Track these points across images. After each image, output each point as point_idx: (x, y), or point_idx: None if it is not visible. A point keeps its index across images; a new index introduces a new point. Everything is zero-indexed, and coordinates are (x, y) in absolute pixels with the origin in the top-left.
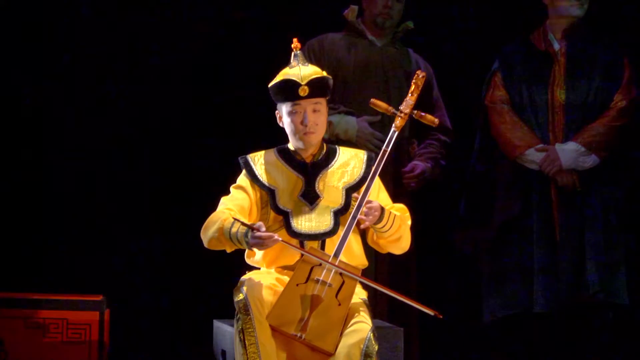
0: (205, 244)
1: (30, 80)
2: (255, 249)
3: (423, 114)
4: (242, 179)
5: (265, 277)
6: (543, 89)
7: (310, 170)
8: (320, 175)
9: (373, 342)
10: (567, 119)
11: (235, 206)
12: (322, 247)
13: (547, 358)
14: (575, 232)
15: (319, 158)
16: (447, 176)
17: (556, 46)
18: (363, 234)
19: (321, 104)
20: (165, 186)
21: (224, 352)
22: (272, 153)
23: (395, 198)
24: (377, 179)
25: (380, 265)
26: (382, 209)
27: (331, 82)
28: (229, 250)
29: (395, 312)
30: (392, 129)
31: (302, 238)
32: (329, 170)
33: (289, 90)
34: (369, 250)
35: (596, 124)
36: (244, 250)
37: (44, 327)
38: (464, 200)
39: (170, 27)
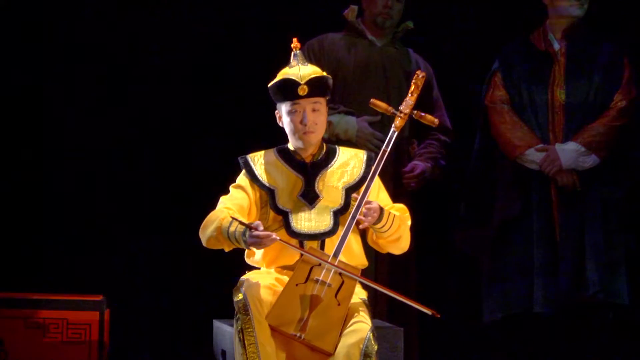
0: (204, 243)
1: (30, 80)
2: (253, 249)
3: (423, 114)
4: (242, 179)
5: (265, 277)
6: (543, 89)
7: (309, 170)
8: (320, 175)
9: (372, 342)
10: (567, 119)
11: (234, 205)
12: (322, 247)
13: (547, 358)
14: (575, 232)
15: (319, 158)
16: (447, 176)
17: (556, 46)
18: (363, 234)
19: (320, 103)
20: (165, 186)
21: (224, 352)
22: (272, 153)
23: (395, 198)
24: (377, 179)
25: (380, 265)
26: (382, 210)
27: (331, 81)
28: (227, 250)
29: (395, 312)
30: (392, 129)
31: (301, 238)
32: (329, 170)
33: (288, 89)
34: (369, 250)
35: (596, 124)
36: (244, 250)
37: (44, 327)
38: (464, 200)
39: (170, 27)
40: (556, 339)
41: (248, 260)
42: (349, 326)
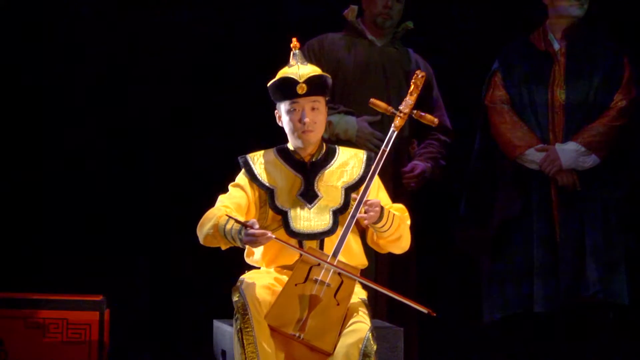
0: (201, 241)
1: (30, 80)
2: (251, 247)
3: (423, 113)
4: (241, 178)
5: (264, 277)
6: (543, 89)
7: (309, 169)
8: (319, 174)
9: (372, 342)
10: (567, 119)
11: (232, 204)
12: (321, 246)
13: (547, 358)
14: (575, 232)
15: (318, 157)
16: (447, 176)
17: (556, 46)
18: (362, 234)
19: (320, 102)
20: (165, 186)
21: (224, 352)
22: (272, 152)
23: (395, 198)
24: (376, 179)
25: (381, 265)
26: (382, 208)
27: (330, 81)
28: (223, 248)
29: (395, 312)
30: (392, 129)
31: (300, 237)
32: (328, 169)
33: (287, 88)
34: (369, 250)
35: (596, 123)
36: (244, 250)
37: (44, 327)
38: (464, 200)
39: (170, 27)
40: (556, 339)
41: (248, 260)
42: (348, 326)
